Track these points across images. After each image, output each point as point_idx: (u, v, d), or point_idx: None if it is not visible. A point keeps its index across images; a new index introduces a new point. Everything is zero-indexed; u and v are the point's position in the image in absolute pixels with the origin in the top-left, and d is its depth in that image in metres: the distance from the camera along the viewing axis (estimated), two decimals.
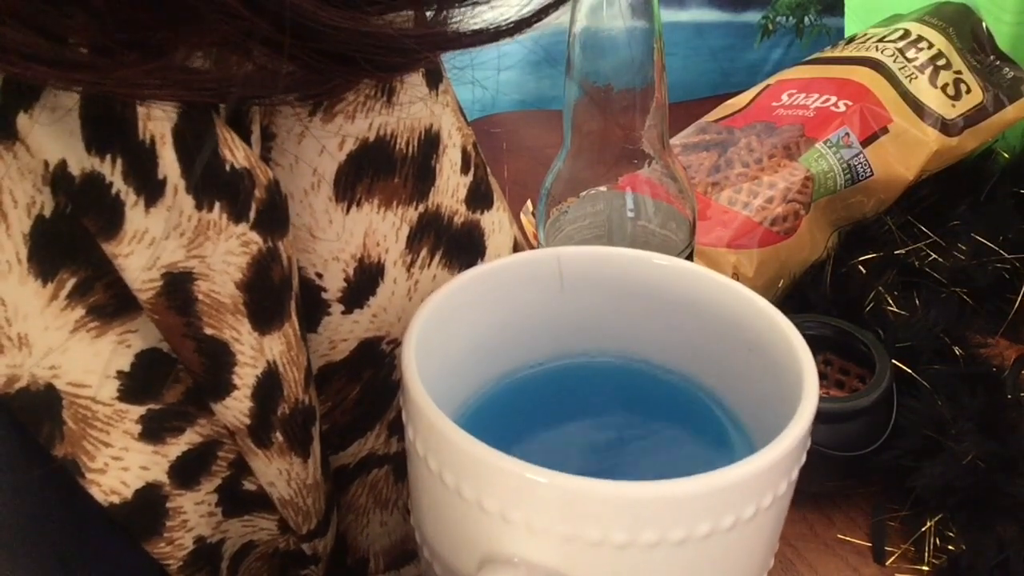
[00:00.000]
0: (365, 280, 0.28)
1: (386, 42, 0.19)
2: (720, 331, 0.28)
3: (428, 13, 0.20)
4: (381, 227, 0.27)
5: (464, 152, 0.29)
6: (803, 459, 0.24)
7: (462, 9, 0.20)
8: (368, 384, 0.29)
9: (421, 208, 0.28)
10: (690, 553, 0.21)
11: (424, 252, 0.28)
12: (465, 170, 0.29)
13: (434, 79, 0.27)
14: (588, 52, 0.39)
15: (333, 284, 0.27)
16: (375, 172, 0.27)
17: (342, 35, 0.18)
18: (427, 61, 0.25)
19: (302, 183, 0.26)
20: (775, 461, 0.22)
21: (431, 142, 0.28)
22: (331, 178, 0.26)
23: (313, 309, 0.27)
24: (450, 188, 0.28)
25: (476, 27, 0.20)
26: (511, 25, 0.21)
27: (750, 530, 0.22)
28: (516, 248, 0.31)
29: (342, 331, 0.28)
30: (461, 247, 0.29)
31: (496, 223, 0.30)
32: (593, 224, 0.43)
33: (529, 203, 0.61)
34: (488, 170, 0.30)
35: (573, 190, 0.42)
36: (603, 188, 0.42)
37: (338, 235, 0.27)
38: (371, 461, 0.31)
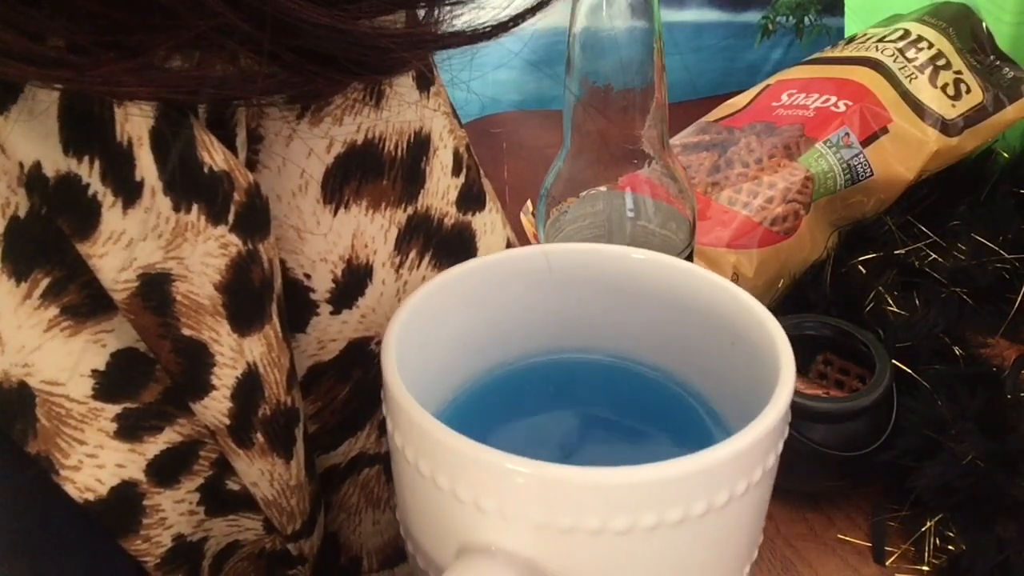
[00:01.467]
0: (353, 281, 0.28)
1: (366, 41, 0.19)
2: (703, 325, 0.28)
3: (419, 13, 0.20)
4: (369, 229, 0.27)
5: (456, 154, 0.29)
6: (780, 447, 0.24)
7: (447, 10, 0.20)
8: (358, 384, 0.29)
9: (410, 210, 0.28)
10: (664, 539, 0.21)
11: (413, 253, 0.29)
12: (457, 172, 0.29)
13: (425, 82, 0.27)
14: (588, 52, 0.39)
15: (321, 285, 0.27)
16: (363, 174, 0.27)
17: (321, 32, 0.18)
18: (412, 63, 0.25)
19: (290, 185, 0.26)
20: (746, 447, 0.22)
21: (421, 144, 0.28)
22: (319, 180, 0.26)
23: (301, 309, 0.27)
24: (440, 190, 0.29)
25: (455, 29, 0.20)
26: (488, 28, 0.21)
27: (725, 518, 0.22)
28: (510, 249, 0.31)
29: (331, 331, 0.28)
30: (451, 248, 0.29)
31: (488, 224, 0.30)
32: (593, 224, 0.43)
33: (529, 203, 0.61)
34: (481, 172, 0.30)
35: (573, 190, 0.42)
36: (603, 188, 0.42)
37: (326, 236, 0.27)
38: (362, 461, 0.31)
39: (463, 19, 0.20)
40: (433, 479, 0.22)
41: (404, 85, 0.27)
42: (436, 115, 0.28)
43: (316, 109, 0.25)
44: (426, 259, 0.29)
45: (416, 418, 0.22)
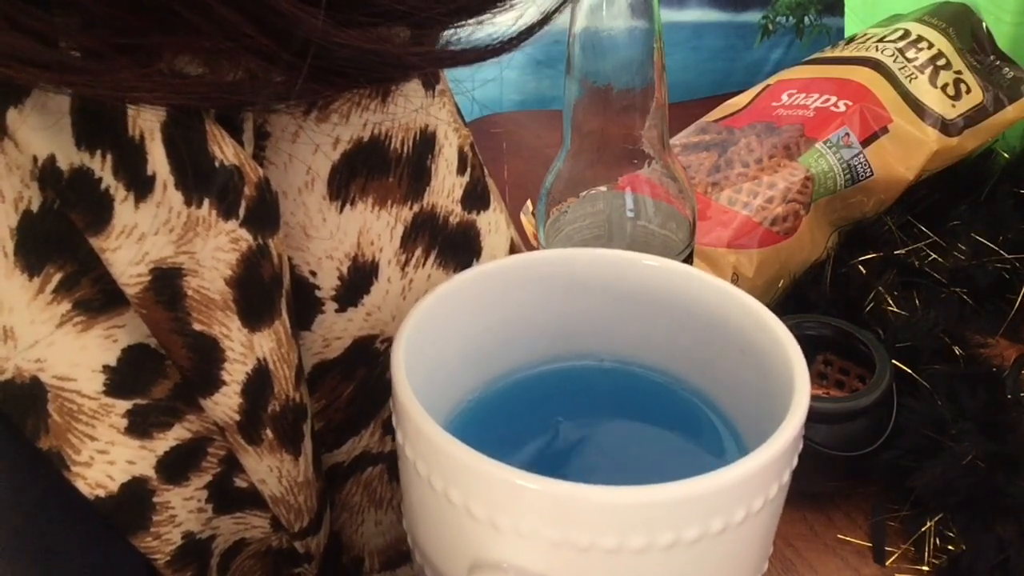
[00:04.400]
0: (359, 279, 0.28)
1: (388, 59, 0.19)
2: (713, 333, 0.28)
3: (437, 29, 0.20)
4: (375, 226, 0.27)
5: (461, 152, 0.29)
6: (794, 462, 0.24)
7: (461, 27, 0.20)
8: (362, 383, 0.29)
9: (416, 208, 0.28)
10: (680, 558, 0.21)
11: (419, 252, 0.29)
12: (461, 170, 0.29)
13: (431, 81, 0.27)
14: (588, 52, 0.39)
15: (327, 282, 0.27)
16: (369, 171, 0.27)
17: (344, 52, 0.18)
18: (420, 71, 0.25)
19: (296, 181, 0.26)
20: (764, 465, 0.22)
21: (426, 142, 0.28)
22: (325, 177, 0.26)
23: (307, 307, 0.27)
24: (446, 188, 0.29)
25: (472, 45, 0.20)
26: (500, 44, 0.21)
27: (741, 534, 0.22)
28: (513, 249, 0.31)
29: (336, 329, 0.28)
30: (456, 247, 0.29)
31: (492, 223, 0.30)
32: (593, 224, 0.43)
33: (529, 203, 0.61)
34: (486, 171, 0.30)
35: (573, 190, 0.42)
36: (603, 188, 0.42)
37: (332, 234, 0.27)
38: (365, 459, 0.31)
39: (477, 35, 0.20)
40: (446, 494, 0.22)
41: (410, 84, 0.27)
42: (442, 113, 0.28)
43: (323, 106, 0.25)
44: (431, 257, 0.29)
45: (429, 432, 0.22)
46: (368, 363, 0.29)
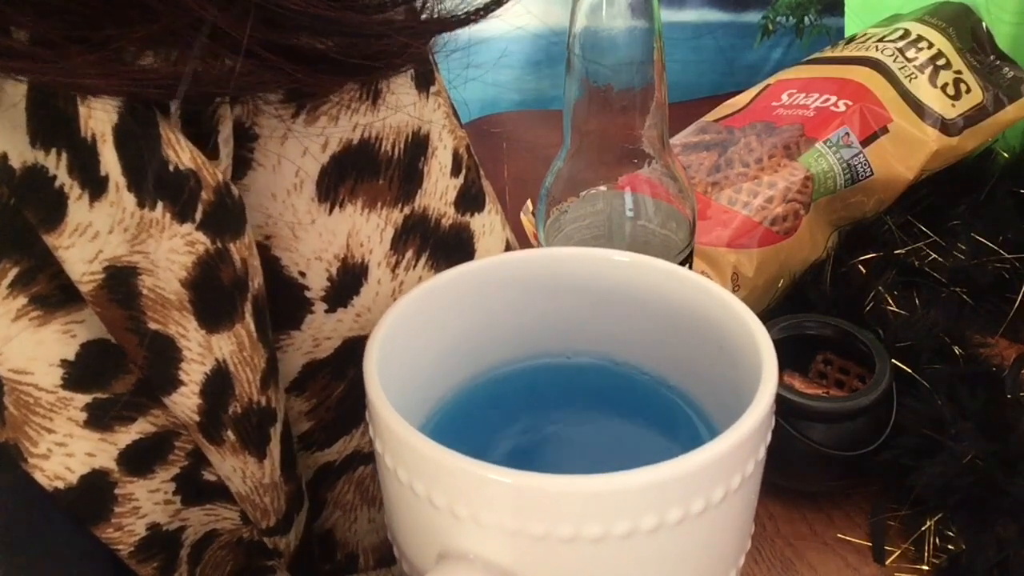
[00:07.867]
0: (348, 280, 0.28)
1: (348, 31, 0.19)
2: (689, 329, 0.28)
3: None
4: (365, 228, 0.27)
5: (455, 155, 0.29)
6: (761, 453, 0.23)
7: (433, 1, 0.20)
8: (353, 382, 0.29)
9: (407, 210, 0.28)
10: (638, 547, 0.21)
11: (410, 253, 0.29)
12: (456, 172, 0.29)
13: (424, 81, 0.27)
14: (588, 52, 0.39)
15: (316, 283, 0.27)
16: (359, 174, 0.27)
17: (304, 21, 0.18)
18: (400, 64, 0.25)
19: (285, 183, 0.26)
20: (721, 455, 0.21)
21: (419, 144, 0.28)
22: (314, 178, 0.26)
23: (296, 307, 0.27)
24: (438, 190, 0.29)
25: (444, 15, 0.20)
26: (465, 15, 0.21)
27: (703, 525, 0.22)
28: (508, 250, 0.32)
29: (326, 329, 0.28)
30: (449, 249, 0.29)
31: (487, 225, 0.30)
32: (593, 224, 0.43)
33: (529, 203, 0.61)
34: (481, 172, 0.30)
35: (573, 190, 0.42)
36: (603, 188, 0.42)
37: (320, 235, 0.27)
38: (357, 458, 0.31)
39: (445, 5, 0.20)
40: (411, 486, 0.22)
41: (402, 85, 0.27)
42: (435, 115, 0.28)
43: (312, 108, 0.25)
44: (423, 259, 0.29)
45: (393, 425, 0.22)
46: (358, 363, 0.29)
